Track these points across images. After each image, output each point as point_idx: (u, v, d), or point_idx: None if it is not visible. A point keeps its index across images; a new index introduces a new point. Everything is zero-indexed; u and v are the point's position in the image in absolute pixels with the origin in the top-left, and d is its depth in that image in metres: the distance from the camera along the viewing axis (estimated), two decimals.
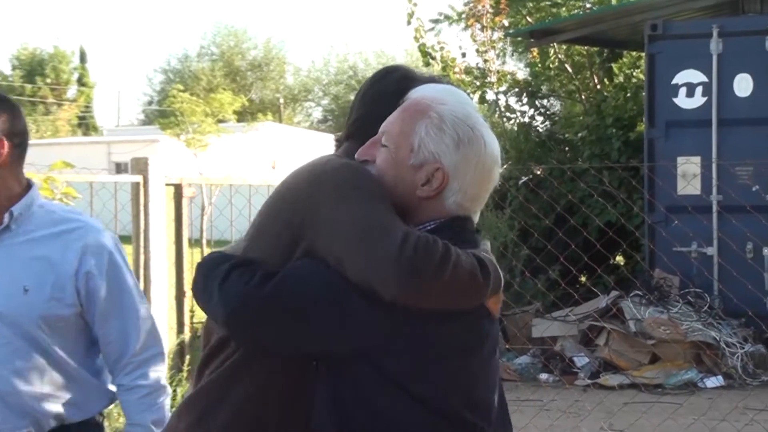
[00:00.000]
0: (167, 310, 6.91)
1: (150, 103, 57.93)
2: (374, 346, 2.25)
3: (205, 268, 2.42)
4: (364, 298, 2.22)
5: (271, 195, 2.50)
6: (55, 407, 3.20)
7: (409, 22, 13.42)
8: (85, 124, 56.04)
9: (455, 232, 2.38)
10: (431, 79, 2.65)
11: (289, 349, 2.31)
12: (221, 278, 2.32)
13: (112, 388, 3.34)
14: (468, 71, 13.52)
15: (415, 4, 13.41)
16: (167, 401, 3.35)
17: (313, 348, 2.29)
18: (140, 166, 6.77)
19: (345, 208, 2.27)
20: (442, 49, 13.57)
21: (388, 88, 2.61)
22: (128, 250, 6.74)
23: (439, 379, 2.30)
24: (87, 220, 3.34)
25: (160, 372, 3.34)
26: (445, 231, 2.36)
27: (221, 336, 2.41)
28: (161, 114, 38.91)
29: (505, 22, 14.04)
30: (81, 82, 57.87)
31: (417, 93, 2.50)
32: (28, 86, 54.19)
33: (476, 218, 2.48)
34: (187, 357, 6.70)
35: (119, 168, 30.06)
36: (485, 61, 13.48)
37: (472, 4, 14.07)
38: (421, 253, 2.20)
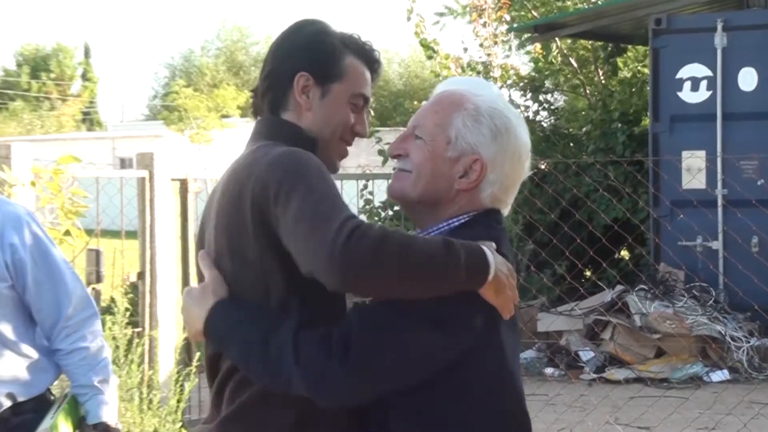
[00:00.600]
0: (174, 305, 6.92)
1: (155, 97, 57.99)
2: (454, 362, 2.24)
3: (260, 328, 2.26)
4: (432, 323, 2.20)
5: (223, 198, 2.42)
6: (6, 386, 3.23)
7: (408, 18, 13.38)
8: (89, 120, 56.08)
9: (488, 225, 2.37)
10: (349, 37, 2.54)
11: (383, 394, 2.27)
12: (292, 349, 2.20)
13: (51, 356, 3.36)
14: (471, 66, 13.50)
15: (414, 0, 13.37)
16: (108, 360, 3.39)
17: (405, 386, 2.26)
18: (146, 161, 6.77)
19: (290, 201, 2.23)
20: (437, 44, 13.55)
21: (301, 43, 2.52)
22: (134, 245, 6.80)
23: (507, 379, 2.34)
24: None
25: (97, 332, 3.38)
26: (478, 224, 2.36)
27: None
28: (166, 109, 38.96)
29: (507, 17, 14.03)
30: (85, 77, 57.93)
31: (446, 85, 2.49)
32: (34, 82, 54.24)
33: (506, 211, 2.47)
34: (197, 353, 6.70)
35: (123, 163, 30.12)
36: (488, 55, 13.48)
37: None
38: (356, 240, 2.12)
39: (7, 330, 3.24)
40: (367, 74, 2.54)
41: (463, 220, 2.37)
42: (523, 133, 2.42)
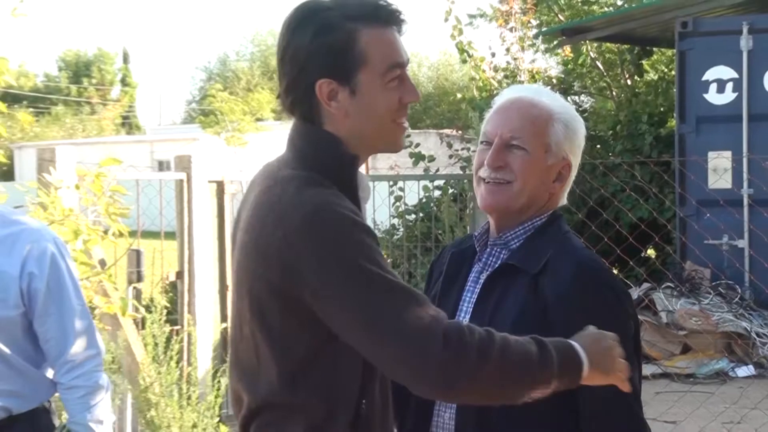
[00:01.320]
0: (212, 303, 7.02)
1: (191, 102, 58.30)
2: None
3: None
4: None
5: (247, 233, 2.24)
6: (4, 400, 3.25)
7: (446, 20, 13.44)
8: (128, 123, 56.51)
9: (563, 220, 2.57)
10: (354, 7, 2.23)
11: None
12: None
13: (50, 374, 3.41)
14: (498, 69, 13.56)
15: (452, 2, 13.43)
16: (107, 400, 3.39)
17: None
18: (184, 163, 6.82)
19: (346, 289, 2.09)
20: (471, 47, 13.63)
21: (306, 50, 2.21)
22: (173, 245, 6.92)
23: None
24: (31, 223, 3.37)
25: (98, 372, 3.37)
26: (555, 221, 2.55)
27: (261, 400, 2.24)
28: (202, 113, 39.23)
29: (533, 21, 14.08)
30: (124, 82, 58.37)
31: (513, 93, 2.58)
32: (74, 87, 54.75)
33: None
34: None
35: (161, 166, 30.32)
36: (514, 59, 13.57)
37: (501, 4, 14.15)
38: (455, 355, 2.04)
39: (16, 351, 3.26)
40: (392, 36, 2.24)
41: (543, 219, 2.53)
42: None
